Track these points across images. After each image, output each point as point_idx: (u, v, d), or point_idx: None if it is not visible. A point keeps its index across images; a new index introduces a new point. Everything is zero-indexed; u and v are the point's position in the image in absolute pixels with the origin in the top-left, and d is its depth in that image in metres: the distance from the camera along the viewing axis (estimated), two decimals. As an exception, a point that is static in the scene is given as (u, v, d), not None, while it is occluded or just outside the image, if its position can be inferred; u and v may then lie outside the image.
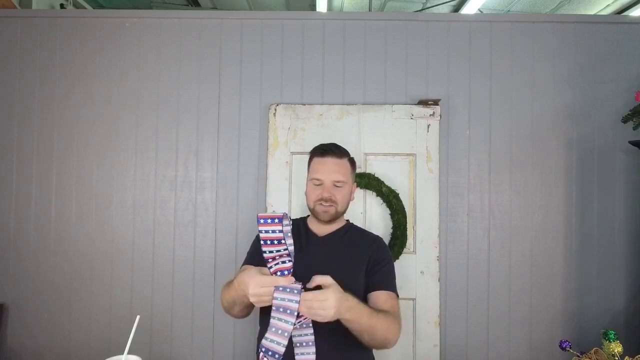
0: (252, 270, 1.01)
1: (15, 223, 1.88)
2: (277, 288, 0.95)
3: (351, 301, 1.02)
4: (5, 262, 1.87)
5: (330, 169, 1.27)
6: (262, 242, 1.00)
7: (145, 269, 1.85)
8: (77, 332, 1.85)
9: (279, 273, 1.00)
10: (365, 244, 1.31)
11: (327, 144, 1.33)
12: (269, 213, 1.04)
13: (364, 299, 1.22)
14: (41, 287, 1.86)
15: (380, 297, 1.20)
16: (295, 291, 0.95)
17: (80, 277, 1.86)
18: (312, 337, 1.04)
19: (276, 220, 0.98)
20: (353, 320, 1.02)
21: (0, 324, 1.84)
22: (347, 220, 1.40)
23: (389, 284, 1.24)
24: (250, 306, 1.15)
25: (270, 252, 1.01)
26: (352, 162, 1.35)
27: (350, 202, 1.36)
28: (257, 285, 0.96)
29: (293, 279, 0.98)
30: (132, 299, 1.85)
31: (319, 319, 0.96)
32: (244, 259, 1.35)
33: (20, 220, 1.87)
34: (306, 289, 0.98)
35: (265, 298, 0.96)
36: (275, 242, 1.00)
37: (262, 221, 0.99)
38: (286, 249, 1.01)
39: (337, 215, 1.30)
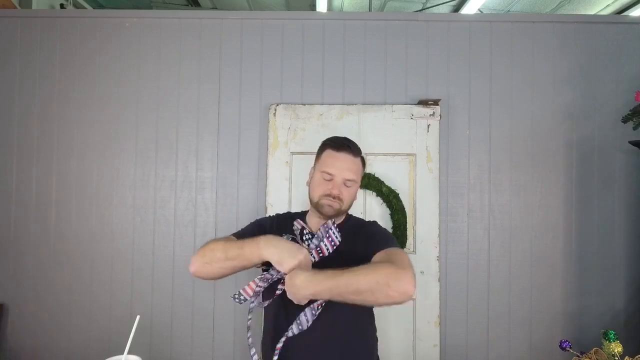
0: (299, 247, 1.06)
1: (15, 223, 1.88)
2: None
3: (321, 274, 0.99)
4: (5, 262, 1.87)
5: (344, 166, 1.21)
6: (330, 228, 1.18)
7: (145, 269, 1.86)
8: (77, 332, 1.85)
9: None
10: (360, 233, 1.25)
11: (343, 138, 1.27)
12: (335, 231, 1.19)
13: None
14: (41, 287, 1.86)
15: (376, 257, 1.11)
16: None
17: (80, 277, 1.86)
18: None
19: (337, 239, 1.18)
20: (331, 288, 0.97)
21: (0, 324, 1.84)
22: (346, 214, 1.34)
23: (384, 244, 1.15)
24: (236, 269, 1.12)
25: (330, 237, 1.16)
26: (363, 161, 1.29)
27: (354, 202, 1.31)
28: (304, 254, 1.03)
29: None
30: (132, 299, 1.85)
31: (296, 302, 1.02)
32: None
33: (20, 220, 1.88)
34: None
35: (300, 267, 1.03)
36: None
37: (330, 230, 1.18)
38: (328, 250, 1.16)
39: (340, 213, 1.26)
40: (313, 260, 1.10)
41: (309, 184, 1.28)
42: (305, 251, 1.05)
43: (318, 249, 1.13)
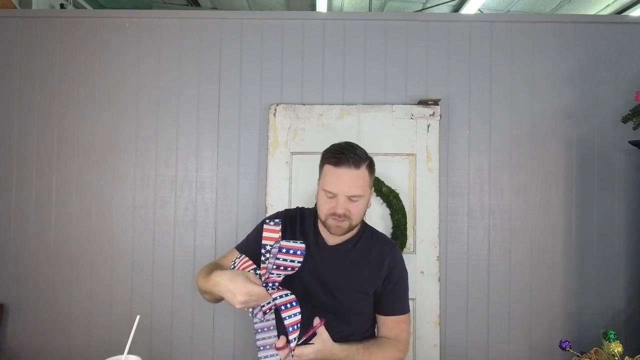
0: (238, 276, 0.97)
1: (15, 223, 1.88)
2: (256, 314, 1.04)
3: (340, 352, 1.06)
4: (5, 262, 1.87)
5: (346, 183, 1.09)
6: (282, 249, 0.98)
7: (145, 269, 1.85)
8: (77, 332, 1.85)
9: (270, 283, 1.00)
10: (378, 257, 1.20)
11: (342, 149, 1.13)
12: (293, 243, 1.01)
13: (372, 318, 1.20)
14: (41, 287, 1.86)
15: (386, 324, 1.17)
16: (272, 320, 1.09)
17: (80, 277, 1.86)
18: (275, 339, 1.06)
19: (298, 252, 0.99)
20: (349, 357, 1.07)
21: (0, 324, 1.84)
22: (362, 221, 1.25)
23: (398, 306, 1.18)
24: (222, 298, 1.08)
25: (285, 260, 0.99)
26: (370, 167, 1.16)
27: (368, 209, 1.22)
28: (246, 294, 0.94)
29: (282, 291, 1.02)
30: (132, 299, 1.85)
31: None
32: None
33: (20, 220, 1.87)
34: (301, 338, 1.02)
35: (251, 304, 0.98)
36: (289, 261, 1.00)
37: (283, 250, 0.99)
38: (293, 270, 1.02)
39: (351, 229, 1.17)
40: (279, 278, 1.02)
41: (317, 199, 1.19)
42: (245, 290, 0.94)
43: (274, 270, 1.02)
